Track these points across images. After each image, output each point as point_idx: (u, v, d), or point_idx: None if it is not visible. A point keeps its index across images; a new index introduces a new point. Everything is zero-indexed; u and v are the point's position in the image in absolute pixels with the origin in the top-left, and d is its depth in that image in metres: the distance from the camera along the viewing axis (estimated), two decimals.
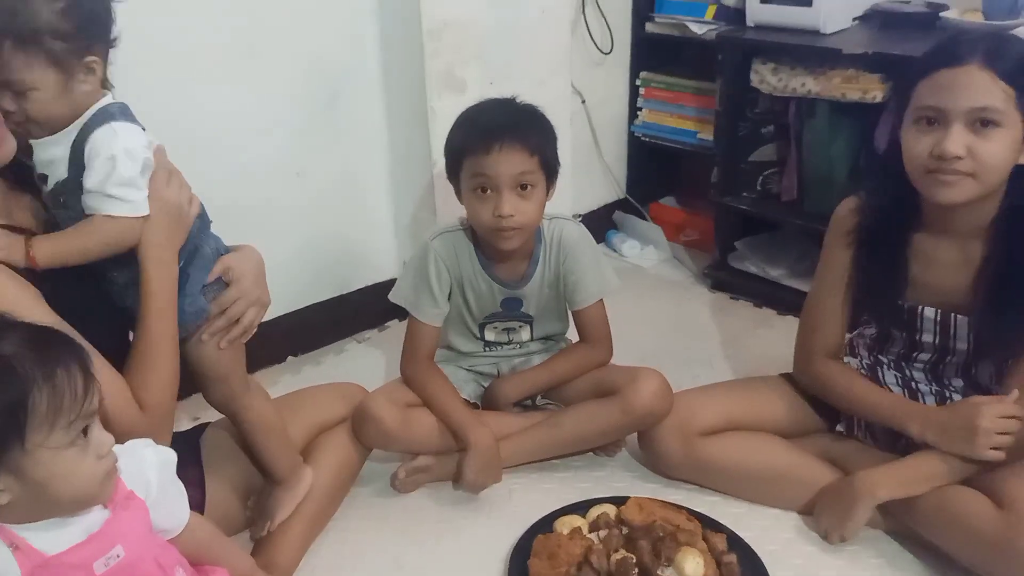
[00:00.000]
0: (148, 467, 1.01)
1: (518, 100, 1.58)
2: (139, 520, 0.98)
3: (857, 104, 1.99)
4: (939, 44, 1.34)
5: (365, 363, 2.08)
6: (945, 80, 1.26)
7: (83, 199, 1.11)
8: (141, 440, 1.05)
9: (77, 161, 1.11)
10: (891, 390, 1.53)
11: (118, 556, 0.94)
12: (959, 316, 1.42)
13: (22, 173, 1.17)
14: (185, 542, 1.07)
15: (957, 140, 1.25)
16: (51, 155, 1.13)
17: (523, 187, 1.52)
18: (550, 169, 1.56)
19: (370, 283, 2.21)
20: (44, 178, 1.16)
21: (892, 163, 1.37)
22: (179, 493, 1.06)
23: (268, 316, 1.74)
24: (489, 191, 1.52)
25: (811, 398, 1.60)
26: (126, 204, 1.12)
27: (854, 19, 2.17)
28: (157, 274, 1.16)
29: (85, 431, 0.89)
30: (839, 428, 1.58)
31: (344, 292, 2.19)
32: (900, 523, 1.45)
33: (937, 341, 1.46)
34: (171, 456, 1.06)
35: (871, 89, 1.96)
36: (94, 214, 1.12)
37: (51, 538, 0.91)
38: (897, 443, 1.49)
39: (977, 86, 1.24)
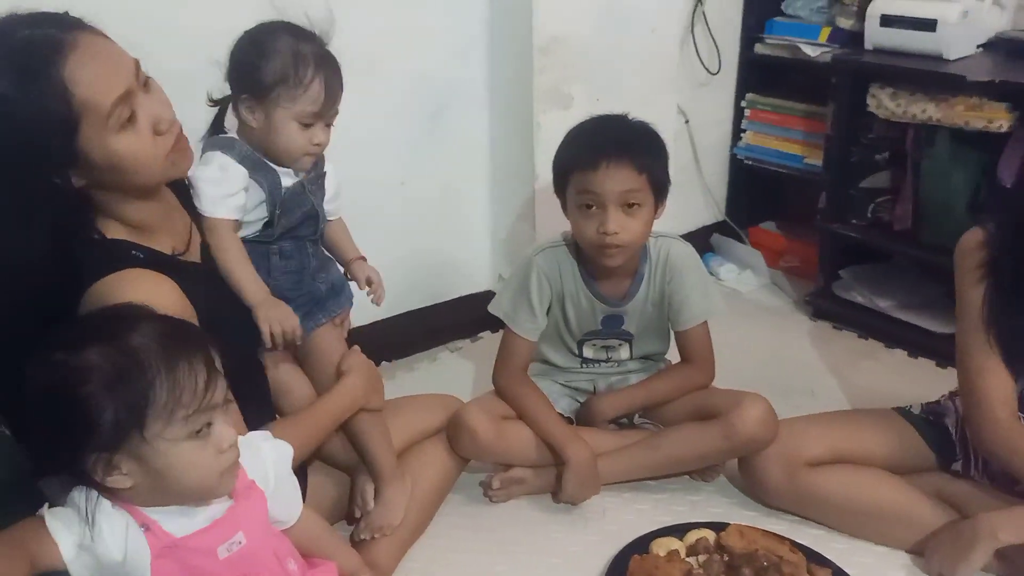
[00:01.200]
0: (266, 459, 1.04)
1: (630, 117, 1.57)
2: (259, 510, 1.00)
3: (981, 133, 1.91)
4: None
5: (457, 372, 2.09)
6: None
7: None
8: (259, 433, 1.08)
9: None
10: None
11: (240, 543, 0.96)
12: None
13: (184, 191, 1.28)
14: (297, 534, 1.09)
15: None
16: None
17: (630, 205, 1.50)
18: (659, 188, 1.54)
19: (465, 294, 2.23)
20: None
21: (1020, 194, 1.31)
22: (294, 486, 1.08)
23: (365, 320, 1.80)
24: (595, 207, 1.51)
25: (924, 432, 1.53)
26: None
27: (978, 46, 2.09)
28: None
29: (209, 425, 0.91)
30: (955, 467, 1.51)
31: (439, 301, 2.21)
32: (1016, 568, 1.37)
33: None
34: (288, 450, 1.08)
35: (996, 118, 1.88)
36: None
37: (179, 522, 0.94)
38: (1016, 486, 1.41)
39: None
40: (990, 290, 1.40)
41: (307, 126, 1.30)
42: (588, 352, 1.72)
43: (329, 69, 1.31)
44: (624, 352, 1.72)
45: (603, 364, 1.73)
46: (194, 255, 1.25)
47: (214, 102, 1.35)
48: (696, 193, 2.61)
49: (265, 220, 1.34)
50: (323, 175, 1.42)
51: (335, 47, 1.35)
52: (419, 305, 2.18)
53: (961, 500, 1.47)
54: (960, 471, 1.51)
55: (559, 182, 1.58)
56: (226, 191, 1.28)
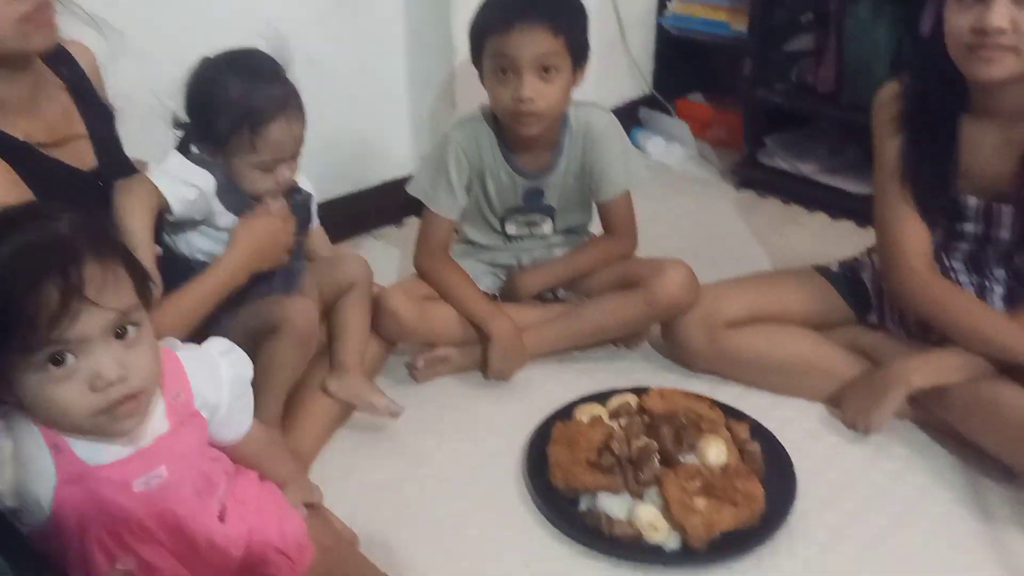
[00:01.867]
0: (222, 379, 0.96)
1: None
2: (192, 440, 0.93)
3: None
4: None
5: (384, 260, 2.04)
6: None
7: None
8: (218, 344, 0.99)
9: None
10: None
11: (160, 477, 0.88)
12: (1003, 205, 1.36)
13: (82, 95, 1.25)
14: (240, 449, 1.02)
15: (1000, 12, 1.19)
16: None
17: (546, 70, 1.45)
18: (577, 52, 1.48)
19: (388, 179, 2.16)
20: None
21: (935, 44, 1.29)
22: (247, 404, 1.01)
23: None
24: (510, 73, 1.45)
25: (841, 288, 1.55)
26: None
27: None
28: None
29: (70, 357, 0.79)
30: (870, 319, 1.54)
31: (361, 188, 2.14)
32: (929, 413, 1.42)
33: (979, 231, 1.40)
34: (246, 371, 1.00)
35: None
36: None
37: (96, 449, 0.85)
38: (929, 335, 1.45)
39: None
40: (905, 142, 1.39)
41: (269, 169, 1.27)
42: (511, 228, 1.69)
43: (288, 111, 1.26)
44: (547, 227, 1.70)
45: (527, 240, 1.70)
46: (69, 157, 1.17)
47: (179, 125, 1.29)
48: (622, 66, 2.54)
49: None
50: (308, 198, 1.41)
51: None
52: (340, 193, 2.10)
53: (876, 350, 1.50)
54: (875, 323, 1.54)
55: (475, 48, 1.52)
56: (183, 178, 1.23)
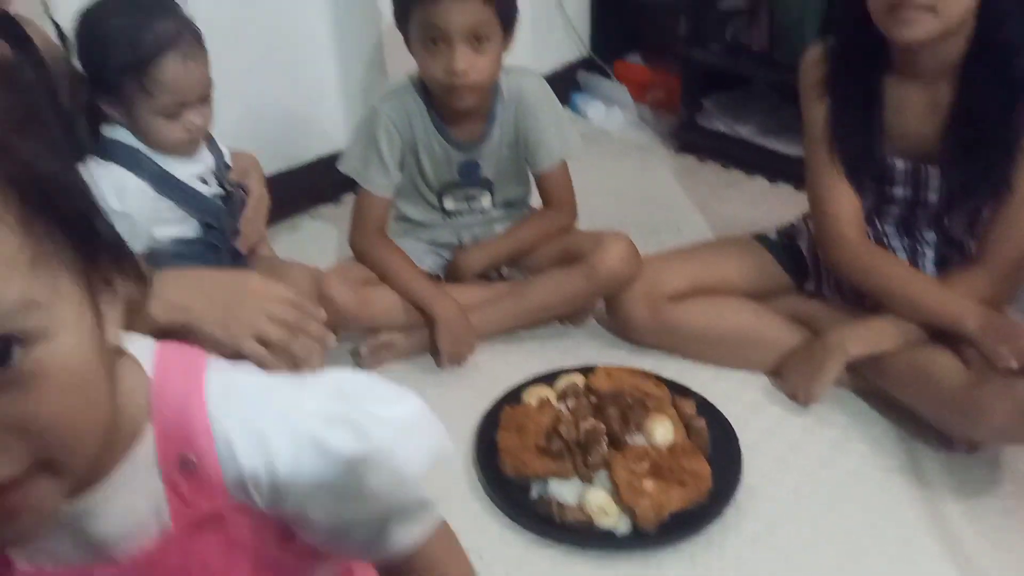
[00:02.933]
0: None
1: None
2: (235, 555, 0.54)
3: None
4: None
5: (322, 240, 1.99)
6: None
7: None
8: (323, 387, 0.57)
9: None
10: None
11: None
12: (930, 167, 1.37)
13: None
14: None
15: None
16: None
17: (478, 39, 1.40)
18: (507, 18, 1.44)
19: (323, 154, 2.08)
20: None
21: (857, 5, 1.28)
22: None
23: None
24: (440, 43, 1.40)
25: (780, 256, 1.56)
26: None
27: None
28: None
29: None
30: (808, 287, 1.55)
31: (294, 165, 2.06)
32: (867, 382, 1.44)
33: (908, 194, 1.42)
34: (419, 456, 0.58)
35: None
36: None
37: None
38: (865, 300, 1.47)
39: None
40: (830, 106, 1.39)
41: (174, 115, 1.17)
42: (449, 204, 1.65)
43: (181, 45, 1.15)
44: (486, 200, 1.66)
45: (466, 215, 1.67)
46: None
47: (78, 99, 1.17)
48: (558, 28, 2.48)
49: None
50: (221, 155, 1.33)
51: None
52: (272, 171, 2.01)
53: (815, 319, 1.51)
54: (812, 291, 1.55)
55: (400, 14, 1.46)
56: (127, 226, 1.14)
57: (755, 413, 1.45)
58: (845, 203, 1.40)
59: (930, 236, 1.46)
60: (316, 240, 1.99)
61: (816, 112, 1.41)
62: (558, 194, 1.64)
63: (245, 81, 1.88)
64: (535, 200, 1.70)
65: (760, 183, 2.15)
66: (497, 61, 1.46)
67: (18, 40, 1.13)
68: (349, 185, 2.05)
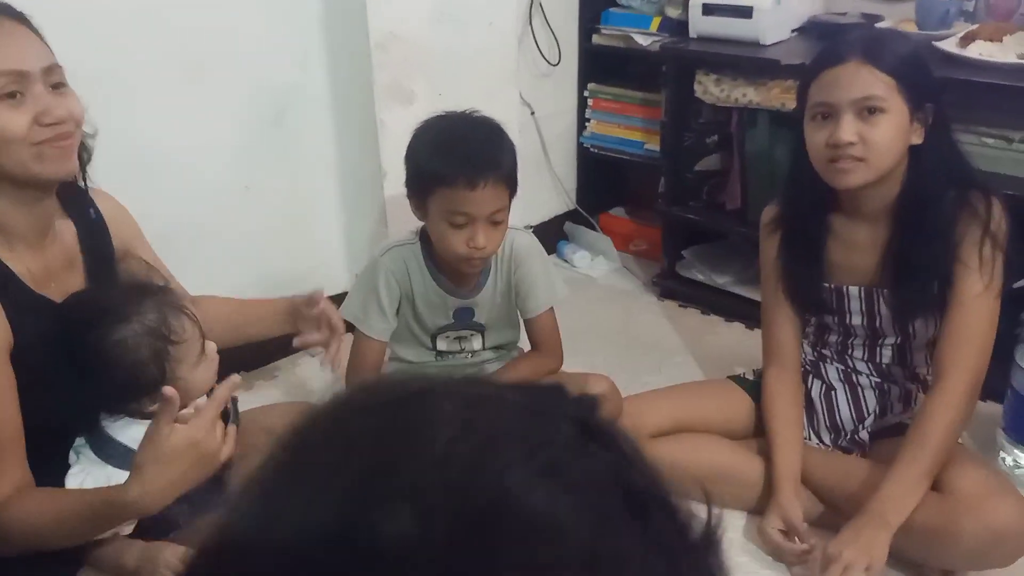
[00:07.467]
0: None
1: (487, 119, 1.54)
2: None
3: (796, 114, 2.04)
4: (824, 48, 1.49)
5: (320, 377, 2.06)
6: (831, 78, 1.38)
7: None
8: None
9: None
10: (835, 387, 1.59)
11: None
12: (882, 291, 1.50)
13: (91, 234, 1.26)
14: None
15: (847, 128, 1.35)
16: None
17: (496, 218, 1.51)
18: (514, 194, 1.57)
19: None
20: None
21: (803, 158, 1.46)
22: None
23: None
24: (465, 224, 1.49)
25: (756, 396, 1.64)
26: None
27: (793, 31, 2.23)
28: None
29: None
30: None
31: None
32: (836, 516, 1.47)
33: (865, 322, 1.53)
34: None
35: None
36: None
37: None
38: (839, 440, 1.55)
39: (859, 79, 1.35)
40: (780, 242, 1.56)
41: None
42: (442, 344, 1.74)
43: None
44: (477, 343, 1.75)
45: (457, 355, 1.75)
46: (55, 294, 1.17)
47: None
48: (547, 183, 2.66)
49: None
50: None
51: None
52: None
53: None
54: None
55: (420, 188, 1.53)
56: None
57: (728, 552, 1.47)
58: (781, 335, 1.59)
59: (897, 371, 1.56)
60: (316, 376, 2.07)
61: (768, 245, 1.58)
62: (545, 338, 1.73)
63: (258, 232, 2.03)
64: (524, 342, 1.79)
65: (738, 328, 2.26)
66: (506, 228, 1.57)
67: (86, 225, 1.24)
68: (348, 326, 2.16)
